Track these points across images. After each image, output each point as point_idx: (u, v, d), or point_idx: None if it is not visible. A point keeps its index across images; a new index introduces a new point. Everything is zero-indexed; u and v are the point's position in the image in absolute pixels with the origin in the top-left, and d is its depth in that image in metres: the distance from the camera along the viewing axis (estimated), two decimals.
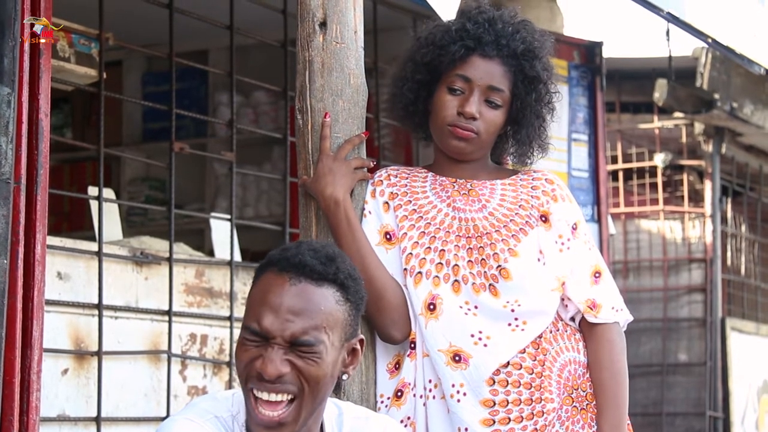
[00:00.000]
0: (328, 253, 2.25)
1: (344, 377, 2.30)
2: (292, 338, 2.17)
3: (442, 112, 2.82)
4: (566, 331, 2.84)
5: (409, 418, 2.79)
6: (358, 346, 2.31)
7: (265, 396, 2.19)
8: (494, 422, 2.73)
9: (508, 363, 2.75)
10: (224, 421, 2.25)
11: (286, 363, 2.18)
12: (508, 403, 2.73)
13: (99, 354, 4.05)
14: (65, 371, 3.99)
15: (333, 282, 2.23)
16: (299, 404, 2.20)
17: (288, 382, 2.18)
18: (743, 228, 8.60)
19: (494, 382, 2.74)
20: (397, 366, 2.83)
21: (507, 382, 2.74)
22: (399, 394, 2.80)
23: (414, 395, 2.80)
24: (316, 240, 2.31)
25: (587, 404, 2.81)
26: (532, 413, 2.74)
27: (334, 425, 2.33)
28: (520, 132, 2.90)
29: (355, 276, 2.28)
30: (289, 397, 2.19)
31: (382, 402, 2.82)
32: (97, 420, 4.03)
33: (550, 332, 2.81)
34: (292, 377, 2.18)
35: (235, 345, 4.50)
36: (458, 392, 2.74)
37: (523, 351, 2.76)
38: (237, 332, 4.54)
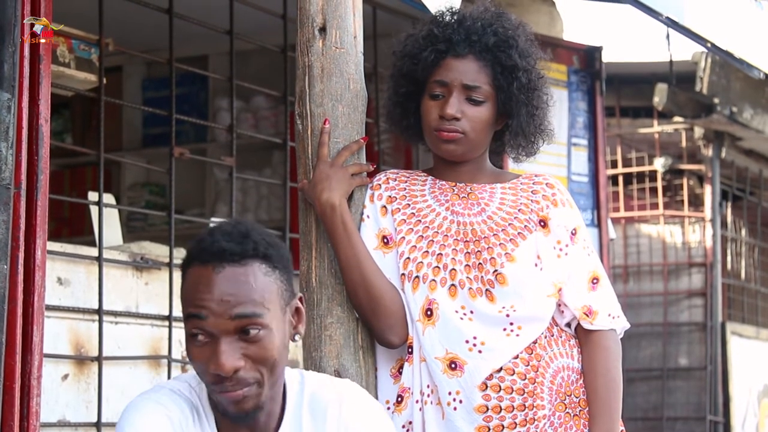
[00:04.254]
0: (240, 231, 2.25)
1: (297, 338, 2.31)
2: (235, 321, 2.18)
3: (426, 119, 2.83)
4: (561, 337, 2.83)
5: (410, 423, 2.79)
6: (300, 304, 2.32)
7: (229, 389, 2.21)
8: (489, 429, 2.73)
9: (501, 368, 2.74)
10: (179, 393, 2.28)
11: (239, 356, 2.18)
12: (501, 409, 2.73)
13: (99, 359, 4.05)
14: (65, 376, 3.99)
15: (255, 257, 2.23)
16: (260, 385, 2.22)
17: (246, 376, 2.19)
18: (743, 232, 8.60)
19: (486, 387, 2.74)
20: (401, 370, 2.83)
21: (500, 387, 2.74)
22: (399, 399, 2.80)
23: (412, 400, 2.80)
24: (226, 222, 2.31)
25: (580, 410, 2.80)
26: (525, 419, 2.73)
27: (296, 391, 2.35)
28: (512, 123, 2.89)
29: (274, 243, 2.28)
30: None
31: (388, 408, 2.82)
32: (98, 425, 4.03)
33: (545, 338, 2.80)
34: (249, 368, 2.19)
35: None
36: (454, 400, 2.74)
37: (517, 356, 2.76)
38: None
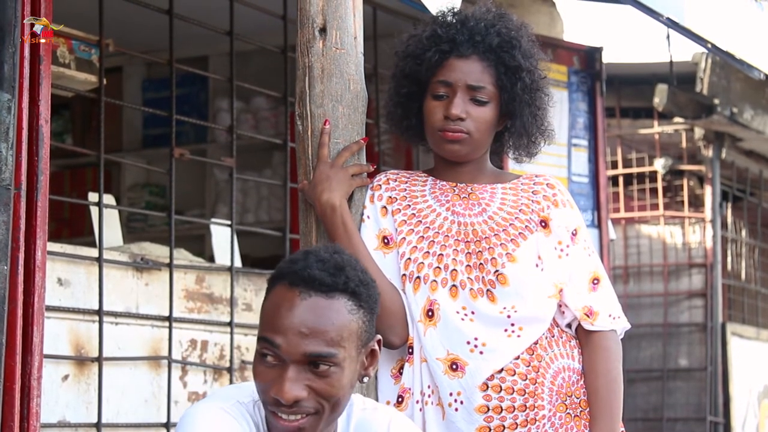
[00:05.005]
0: (336, 262, 2.21)
1: (365, 380, 2.27)
2: (307, 356, 2.14)
3: (430, 120, 2.82)
4: (561, 338, 2.83)
5: None
6: (376, 347, 2.28)
7: (284, 416, 2.17)
8: (490, 429, 2.73)
9: (502, 369, 2.74)
10: (246, 406, 2.24)
11: (303, 387, 2.15)
12: (502, 410, 2.73)
13: (99, 360, 4.05)
14: (66, 377, 3.99)
15: (344, 292, 2.19)
16: (319, 418, 2.19)
17: (307, 405, 2.16)
18: (743, 233, 8.60)
19: (487, 387, 2.74)
20: (401, 371, 2.83)
21: (500, 388, 2.74)
22: (400, 400, 2.80)
23: (413, 401, 2.80)
24: (324, 247, 2.28)
25: (581, 411, 2.80)
26: (526, 420, 2.73)
27: (343, 416, 2.32)
28: (515, 124, 2.89)
29: (366, 280, 2.24)
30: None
31: None
32: (98, 426, 4.03)
33: (546, 338, 2.80)
34: (310, 399, 2.16)
35: (235, 351, 4.53)
36: (455, 401, 2.74)
37: (518, 357, 2.76)
38: (237, 338, 4.56)
